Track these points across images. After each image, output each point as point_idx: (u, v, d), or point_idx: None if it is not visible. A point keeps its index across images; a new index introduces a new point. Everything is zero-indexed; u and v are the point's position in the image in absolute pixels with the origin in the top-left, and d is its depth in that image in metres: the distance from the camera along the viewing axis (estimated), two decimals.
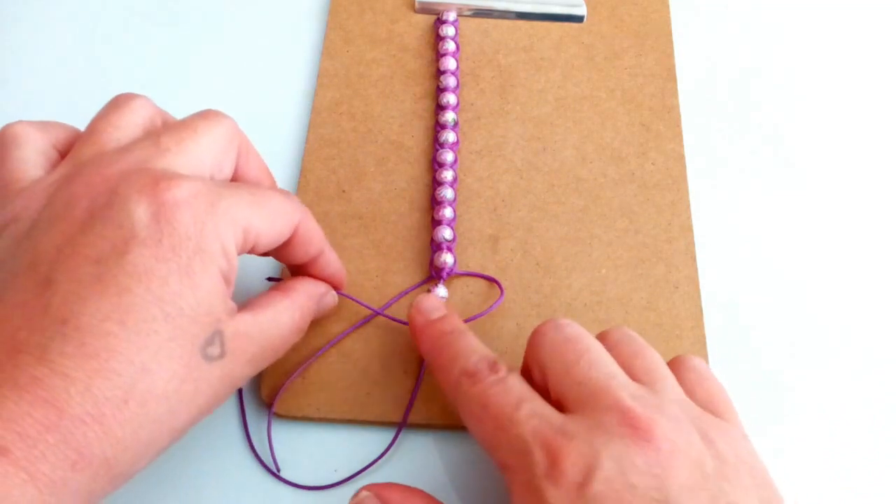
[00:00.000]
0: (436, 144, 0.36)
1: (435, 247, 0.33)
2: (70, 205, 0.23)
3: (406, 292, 0.32)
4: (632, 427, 0.22)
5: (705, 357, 0.31)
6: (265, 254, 0.27)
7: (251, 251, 0.26)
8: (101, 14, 0.41)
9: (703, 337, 0.32)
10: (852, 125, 0.39)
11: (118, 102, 0.27)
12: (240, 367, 0.24)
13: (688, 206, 0.35)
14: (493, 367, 0.26)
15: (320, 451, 0.30)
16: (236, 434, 0.30)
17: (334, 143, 0.36)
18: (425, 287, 0.33)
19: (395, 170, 0.36)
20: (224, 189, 0.24)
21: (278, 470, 0.29)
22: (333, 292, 0.30)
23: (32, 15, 0.41)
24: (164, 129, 0.26)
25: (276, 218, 0.26)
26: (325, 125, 0.37)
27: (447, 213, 0.34)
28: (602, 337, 0.27)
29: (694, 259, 0.33)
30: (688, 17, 0.41)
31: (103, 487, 0.21)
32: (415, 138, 0.37)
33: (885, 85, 0.40)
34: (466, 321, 0.31)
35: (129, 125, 0.26)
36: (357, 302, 0.31)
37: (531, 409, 0.24)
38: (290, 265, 0.30)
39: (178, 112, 0.40)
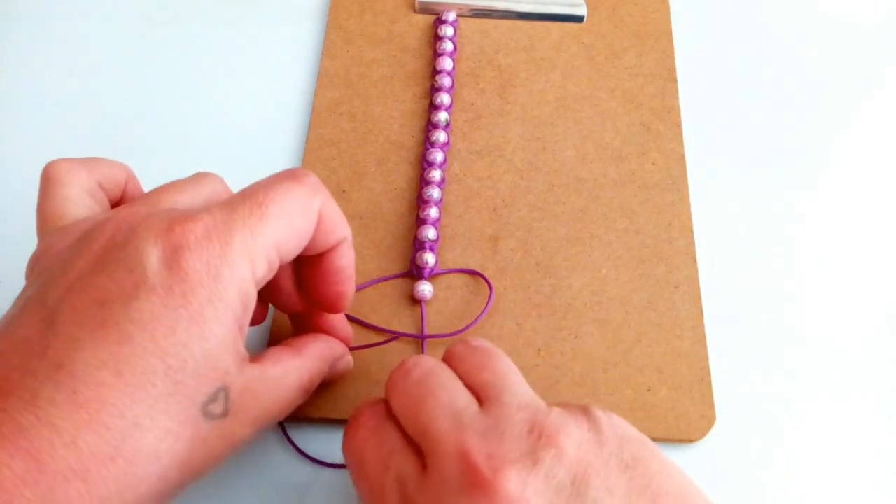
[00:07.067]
0: (426, 143, 0.36)
1: (417, 245, 0.33)
2: (90, 242, 0.22)
3: (380, 280, 0.33)
4: (471, 483, 0.21)
5: (705, 357, 0.31)
6: None
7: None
8: (100, 15, 0.41)
9: (704, 337, 0.32)
10: (852, 124, 0.39)
11: (194, 175, 0.26)
12: (241, 427, 0.23)
13: (688, 206, 0.35)
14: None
15: (320, 452, 0.30)
16: None
17: (334, 143, 0.36)
18: (403, 280, 0.33)
19: (395, 170, 0.36)
20: (237, 217, 0.23)
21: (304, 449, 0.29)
22: (349, 357, 0.29)
23: (35, 12, 0.41)
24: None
25: (298, 219, 0.24)
26: (325, 125, 0.37)
27: (433, 212, 0.34)
28: (448, 356, 0.25)
29: (694, 259, 0.33)
30: (688, 17, 0.41)
31: None
32: (415, 138, 0.37)
33: (885, 85, 0.40)
34: (465, 328, 0.31)
35: (191, 192, 0.25)
36: (367, 325, 0.31)
37: (394, 474, 0.23)
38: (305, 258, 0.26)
39: (177, 112, 0.40)
